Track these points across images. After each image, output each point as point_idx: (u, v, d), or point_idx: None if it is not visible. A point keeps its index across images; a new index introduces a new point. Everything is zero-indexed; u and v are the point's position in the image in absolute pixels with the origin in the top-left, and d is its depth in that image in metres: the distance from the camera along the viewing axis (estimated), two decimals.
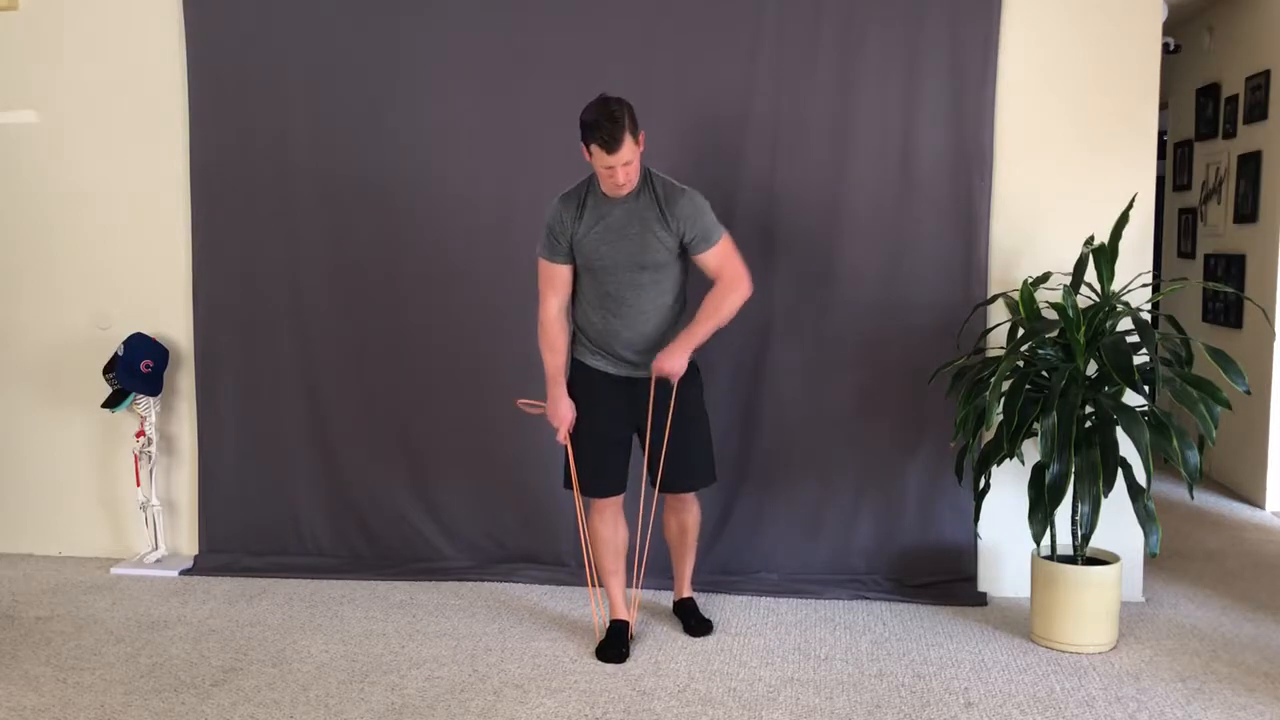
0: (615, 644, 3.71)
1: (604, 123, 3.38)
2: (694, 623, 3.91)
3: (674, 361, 3.60)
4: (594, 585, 4.01)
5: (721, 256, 3.63)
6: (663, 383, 3.66)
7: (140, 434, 4.67)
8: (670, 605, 4.10)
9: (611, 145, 3.38)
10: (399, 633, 3.94)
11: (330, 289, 4.61)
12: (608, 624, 3.82)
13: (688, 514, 3.91)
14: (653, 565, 4.14)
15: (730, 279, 3.63)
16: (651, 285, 3.62)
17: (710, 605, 4.15)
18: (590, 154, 3.47)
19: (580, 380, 3.75)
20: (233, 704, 3.35)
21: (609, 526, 3.80)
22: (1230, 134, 6.07)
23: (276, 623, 4.05)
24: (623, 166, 3.44)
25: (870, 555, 4.39)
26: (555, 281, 3.68)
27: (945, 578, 4.31)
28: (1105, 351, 3.53)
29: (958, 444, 3.92)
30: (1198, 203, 6.56)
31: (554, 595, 4.32)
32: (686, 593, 4.03)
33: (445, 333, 4.56)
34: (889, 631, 3.93)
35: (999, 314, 4.19)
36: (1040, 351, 3.82)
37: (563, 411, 3.72)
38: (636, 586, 3.99)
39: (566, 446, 3.77)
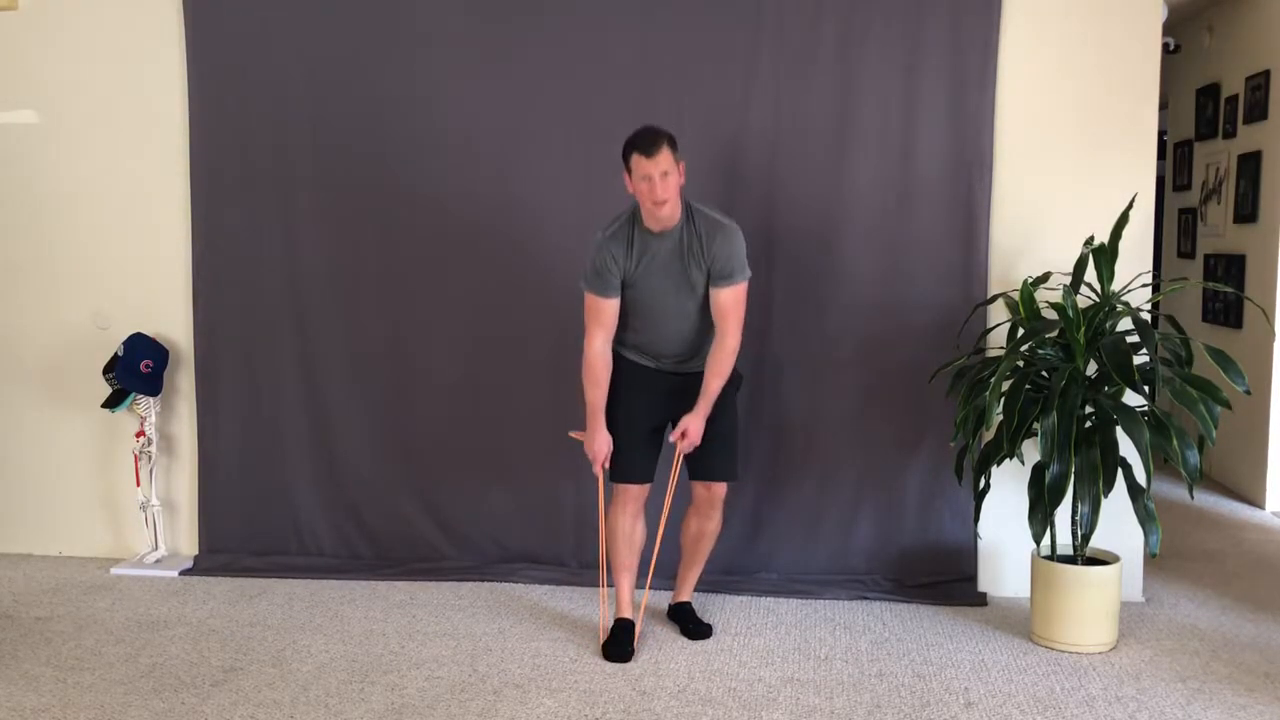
0: (621, 642, 3.71)
1: (644, 132, 3.51)
2: (692, 626, 3.90)
3: (698, 429, 3.68)
4: (604, 585, 3.99)
5: (733, 301, 3.63)
6: (689, 394, 3.72)
7: (140, 434, 4.67)
8: (666, 607, 4.09)
9: (650, 149, 3.45)
10: (399, 633, 3.94)
11: (330, 289, 4.61)
12: (612, 622, 3.82)
13: (709, 521, 3.90)
14: (657, 565, 4.15)
15: (730, 329, 3.64)
16: (696, 311, 3.67)
17: (710, 605, 4.15)
18: (630, 172, 3.52)
19: (623, 369, 3.77)
20: (233, 704, 3.35)
21: (629, 520, 3.82)
22: (1230, 134, 6.07)
23: (276, 623, 4.04)
24: (661, 177, 3.46)
25: (870, 555, 4.39)
26: (603, 317, 3.67)
27: (945, 578, 4.31)
28: (1105, 351, 3.53)
29: (958, 444, 3.92)
30: (1198, 203, 6.56)
31: (554, 595, 4.32)
32: (685, 597, 4.03)
33: (445, 332, 4.56)
34: (889, 631, 3.93)
35: (999, 314, 4.19)
36: (1040, 351, 3.82)
37: (599, 445, 3.74)
38: (647, 588, 3.99)
39: (599, 478, 3.82)
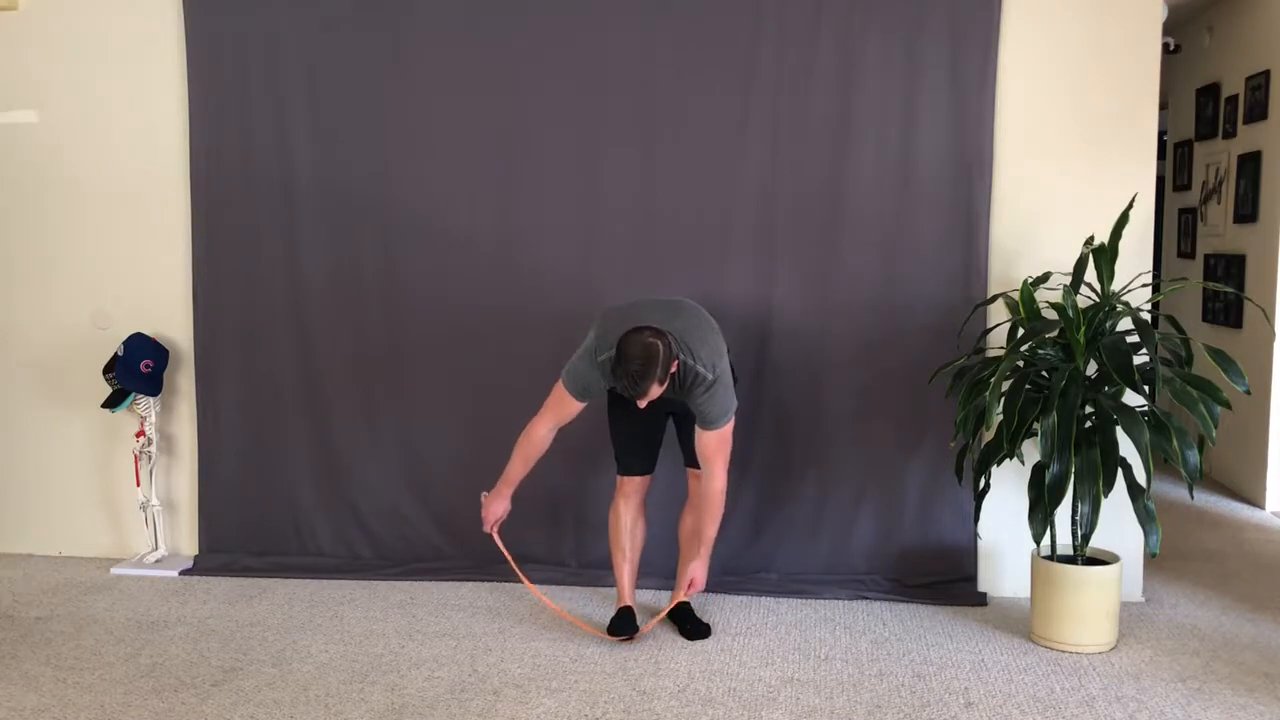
0: (624, 620, 3.78)
1: (633, 377, 3.39)
2: (690, 627, 3.90)
3: (702, 577, 3.74)
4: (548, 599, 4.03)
5: (717, 443, 3.63)
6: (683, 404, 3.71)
7: (140, 434, 4.67)
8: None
9: (634, 395, 3.44)
10: (399, 633, 3.94)
11: (330, 289, 4.61)
12: (598, 619, 3.86)
13: (714, 512, 3.88)
14: (657, 565, 4.15)
15: (717, 470, 3.65)
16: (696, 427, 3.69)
17: (710, 605, 4.15)
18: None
19: None
20: (233, 704, 3.35)
21: (631, 513, 3.87)
22: (1230, 134, 6.07)
23: (276, 623, 4.05)
24: (645, 403, 3.49)
25: (870, 555, 4.39)
26: (564, 412, 3.71)
27: (945, 578, 4.31)
28: (1105, 351, 3.53)
29: (958, 444, 3.92)
30: (1198, 203, 6.56)
31: (554, 595, 4.31)
32: (683, 596, 4.03)
33: (445, 332, 4.56)
34: (889, 631, 3.93)
35: (999, 314, 4.19)
36: (1040, 351, 3.82)
37: (494, 508, 3.85)
38: (667, 606, 3.99)
39: (494, 538, 3.91)
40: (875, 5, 4.21)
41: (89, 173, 4.75)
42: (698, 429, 3.64)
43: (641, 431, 3.85)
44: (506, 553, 3.98)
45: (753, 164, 4.32)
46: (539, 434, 3.74)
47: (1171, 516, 5.37)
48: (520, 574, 4.03)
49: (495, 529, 3.89)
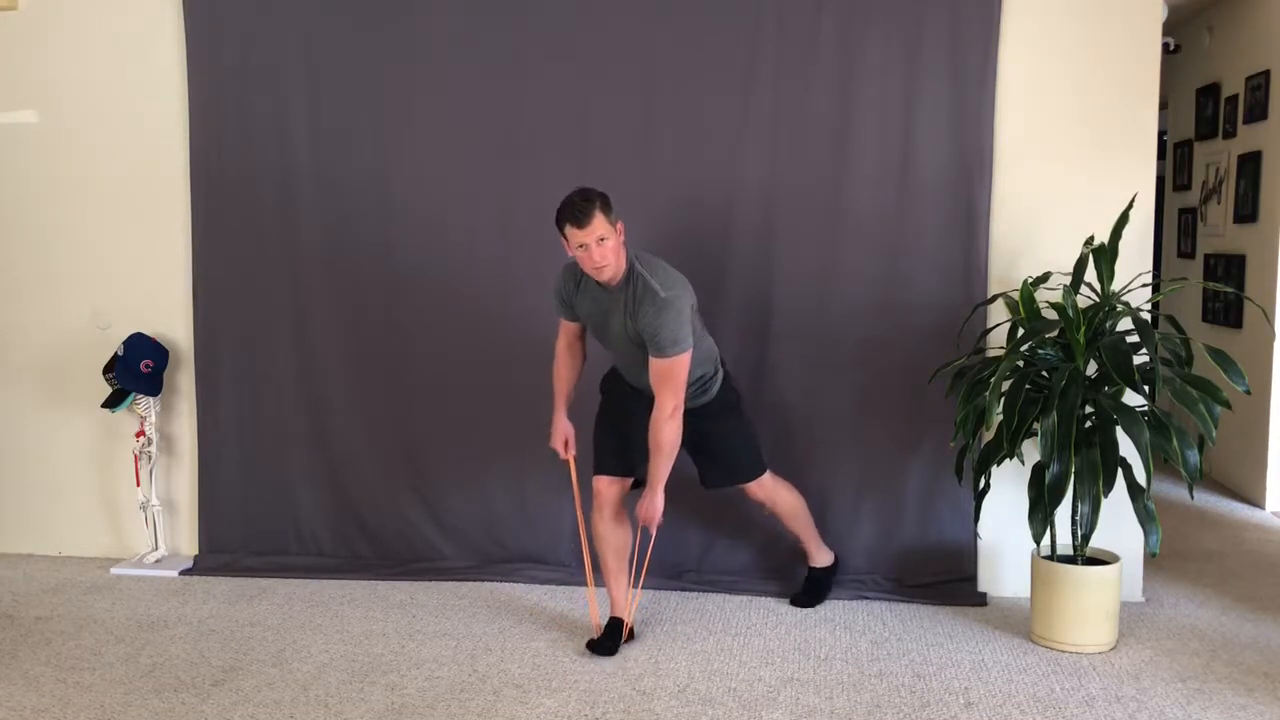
0: (606, 637, 3.76)
1: (574, 199, 3.48)
2: (796, 593, 4.17)
3: (653, 509, 3.67)
4: (593, 585, 4.02)
5: (663, 372, 3.55)
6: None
7: (140, 434, 4.67)
8: (666, 607, 4.09)
9: (582, 220, 3.42)
10: (399, 633, 3.94)
11: (330, 289, 4.61)
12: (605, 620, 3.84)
13: (776, 502, 4.06)
14: (654, 565, 4.15)
15: (664, 400, 3.56)
16: (644, 357, 3.63)
17: (710, 605, 4.16)
18: (567, 240, 3.51)
19: (610, 376, 3.96)
20: (233, 704, 3.35)
21: (608, 525, 3.83)
22: (1230, 134, 6.07)
23: (276, 623, 4.05)
24: (597, 244, 3.44)
25: (870, 555, 4.39)
26: (563, 326, 3.92)
27: (945, 578, 4.31)
28: (1105, 351, 3.53)
29: (958, 444, 3.92)
30: (1198, 203, 6.56)
31: (554, 595, 4.32)
32: (810, 562, 4.23)
33: (445, 332, 4.56)
34: (889, 631, 3.93)
35: (999, 314, 4.19)
36: (1040, 351, 3.82)
37: (554, 430, 3.90)
38: (635, 586, 3.99)
39: (569, 463, 3.95)
40: (875, 5, 4.21)
41: (89, 173, 4.75)
42: (650, 358, 3.57)
43: (614, 427, 3.85)
44: (575, 477, 3.98)
45: (753, 163, 4.32)
46: (557, 348, 3.92)
47: (1171, 516, 5.37)
48: (576, 493, 4.01)
49: (567, 450, 3.92)
